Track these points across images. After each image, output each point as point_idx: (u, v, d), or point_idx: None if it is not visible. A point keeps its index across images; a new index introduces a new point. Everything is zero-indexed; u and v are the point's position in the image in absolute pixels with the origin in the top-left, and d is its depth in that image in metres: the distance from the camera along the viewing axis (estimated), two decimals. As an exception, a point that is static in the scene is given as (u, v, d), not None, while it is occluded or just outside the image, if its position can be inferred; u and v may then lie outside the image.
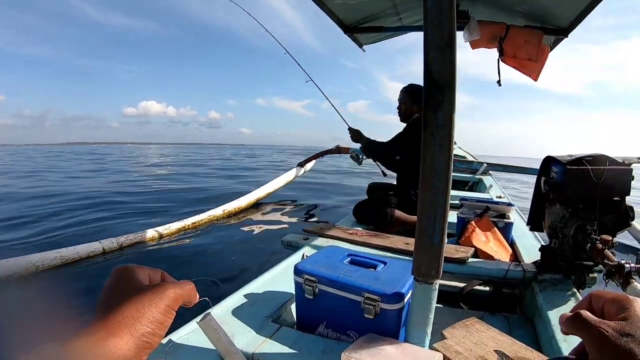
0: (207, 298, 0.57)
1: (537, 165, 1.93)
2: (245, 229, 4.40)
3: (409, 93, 3.18)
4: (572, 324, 0.49)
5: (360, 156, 3.46)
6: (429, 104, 0.98)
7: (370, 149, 3.22)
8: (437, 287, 1.09)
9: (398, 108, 3.25)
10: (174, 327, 1.26)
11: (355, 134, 3.27)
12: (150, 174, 11.96)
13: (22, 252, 2.91)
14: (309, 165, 5.59)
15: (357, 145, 3.39)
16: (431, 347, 1.19)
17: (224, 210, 4.67)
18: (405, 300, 1.21)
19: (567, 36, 2.87)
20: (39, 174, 11.66)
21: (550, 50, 2.97)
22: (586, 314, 0.48)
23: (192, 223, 4.20)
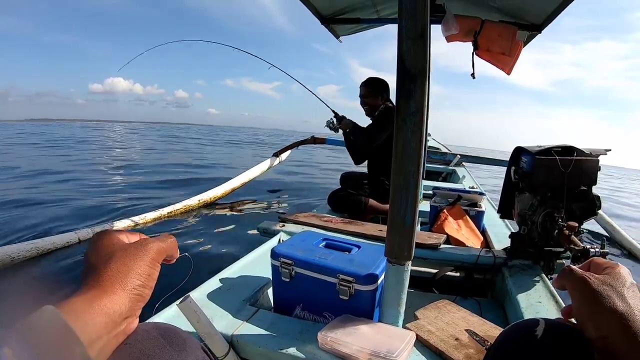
0: (187, 254, 0.59)
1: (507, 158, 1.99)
2: (221, 218, 4.40)
3: (371, 87, 3.16)
4: (562, 275, 0.56)
5: (336, 124, 3.42)
6: (402, 92, 1.01)
7: (355, 132, 3.20)
8: (409, 268, 1.13)
9: (362, 104, 3.23)
10: (155, 311, 1.27)
11: (343, 122, 3.27)
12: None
13: None
14: (284, 155, 5.58)
15: (333, 137, 3.39)
16: (404, 327, 1.23)
17: (199, 200, 4.64)
18: (379, 281, 1.25)
19: (540, 32, 2.95)
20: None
21: (524, 46, 3.04)
22: (574, 267, 0.55)
23: (168, 213, 4.18)
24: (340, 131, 3.37)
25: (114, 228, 3.57)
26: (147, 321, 1.21)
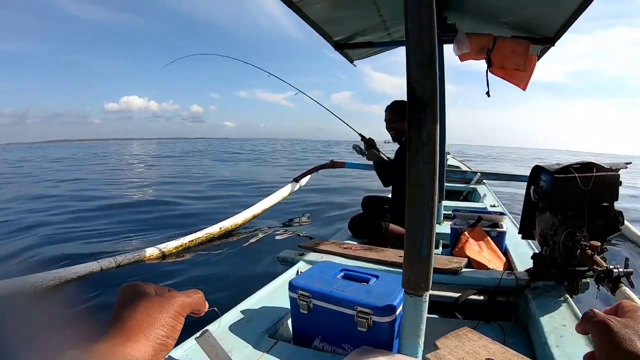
0: (216, 308, 0.59)
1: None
2: (242, 245, 4.42)
3: (396, 111, 3.08)
4: (584, 319, 0.54)
5: (364, 148, 3.38)
6: (412, 121, 1.00)
7: (380, 167, 3.16)
8: (427, 299, 1.11)
9: (388, 129, 3.14)
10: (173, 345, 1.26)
11: (369, 152, 3.26)
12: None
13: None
14: (304, 181, 5.58)
15: (351, 160, 3.36)
16: (424, 358, 1.21)
17: (220, 228, 4.65)
18: (397, 312, 1.24)
19: (553, 45, 2.92)
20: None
21: (538, 60, 3.01)
22: (597, 311, 0.53)
23: (189, 241, 4.19)
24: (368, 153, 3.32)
25: (137, 257, 3.59)
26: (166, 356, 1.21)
